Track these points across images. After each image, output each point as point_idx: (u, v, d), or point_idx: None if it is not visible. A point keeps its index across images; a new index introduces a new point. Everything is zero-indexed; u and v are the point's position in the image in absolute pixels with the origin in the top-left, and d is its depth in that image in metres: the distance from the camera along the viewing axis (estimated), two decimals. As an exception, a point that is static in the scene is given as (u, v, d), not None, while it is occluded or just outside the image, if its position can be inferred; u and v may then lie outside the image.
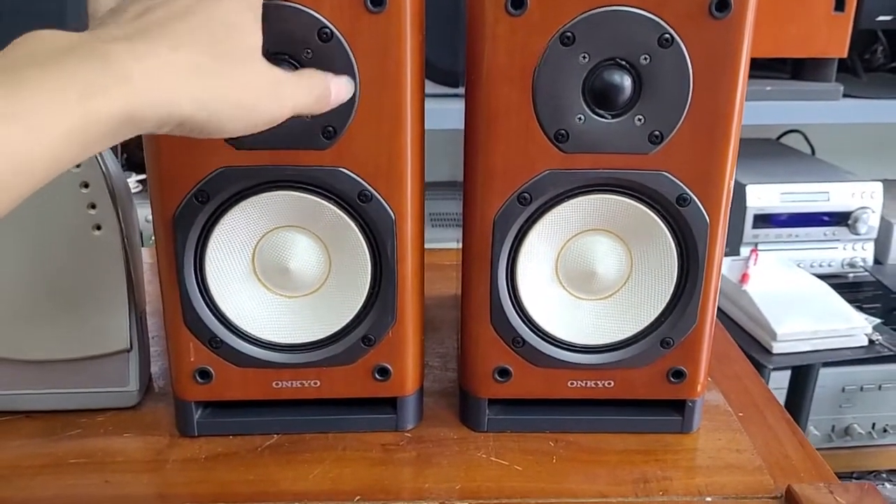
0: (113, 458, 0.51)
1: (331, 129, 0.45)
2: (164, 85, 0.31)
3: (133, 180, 1.29)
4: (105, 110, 0.29)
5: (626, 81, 0.45)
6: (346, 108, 0.44)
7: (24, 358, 0.53)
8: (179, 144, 0.45)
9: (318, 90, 0.40)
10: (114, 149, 0.45)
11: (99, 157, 0.51)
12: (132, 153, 1.36)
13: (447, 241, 0.84)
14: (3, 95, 0.27)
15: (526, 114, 0.46)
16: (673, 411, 0.54)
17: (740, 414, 0.56)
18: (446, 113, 0.69)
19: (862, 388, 1.22)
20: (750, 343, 1.00)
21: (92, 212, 0.51)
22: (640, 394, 0.53)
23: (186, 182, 0.46)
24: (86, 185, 0.50)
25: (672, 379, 0.52)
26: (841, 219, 1.18)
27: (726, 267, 1.07)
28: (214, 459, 0.50)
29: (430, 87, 1.02)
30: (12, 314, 0.52)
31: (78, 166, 0.50)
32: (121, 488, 0.48)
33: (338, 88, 0.42)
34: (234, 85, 0.34)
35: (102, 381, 0.55)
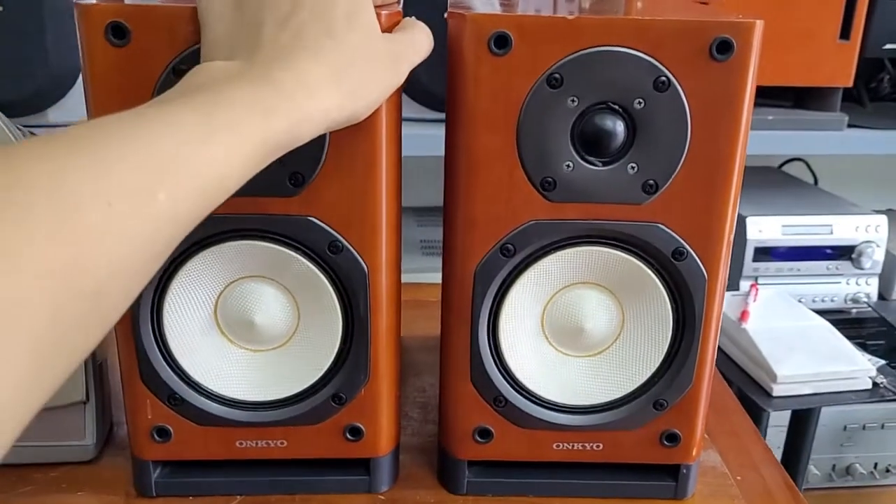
0: (63, 519, 0.47)
1: (299, 175, 0.41)
2: (319, 99, 0.34)
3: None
4: (279, 128, 0.32)
5: (619, 127, 0.42)
6: (315, 154, 0.41)
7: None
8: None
9: (425, 44, 0.41)
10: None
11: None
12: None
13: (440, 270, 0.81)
14: (202, 116, 0.29)
15: (510, 160, 0.42)
16: (666, 476, 0.50)
17: (738, 478, 0.53)
18: (443, 137, 0.66)
19: (864, 427, 1.18)
20: (748, 384, 0.96)
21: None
22: (631, 457, 0.49)
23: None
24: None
25: (665, 442, 0.48)
26: (844, 253, 1.15)
27: (725, 303, 1.03)
28: (171, 524, 0.47)
29: (427, 112, 1.00)
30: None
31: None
32: (67, 556, 0.44)
33: (428, 33, 0.42)
34: (366, 76, 0.37)
35: (57, 433, 0.51)
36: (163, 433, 0.47)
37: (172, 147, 0.27)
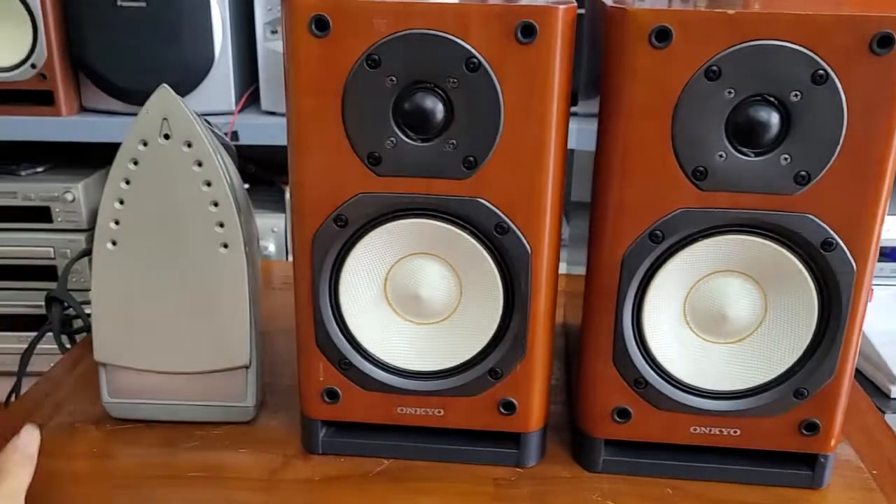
0: (230, 473, 0.51)
1: (472, 158, 0.44)
2: None
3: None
4: None
5: (774, 118, 0.43)
6: (488, 139, 0.44)
7: (151, 369, 0.54)
8: (322, 170, 0.45)
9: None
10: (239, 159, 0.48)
11: (225, 173, 0.51)
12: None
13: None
14: None
15: (664, 149, 0.44)
16: (802, 465, 0.51)
17: (874, 472, 0.53)
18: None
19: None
20: (865, 385, 0.94)
21: (220, 230, 0.51)
22: (768, 445, 0.50)
23: (327, 206, 0.46)
24: (215, 204, 0.51)
25: (804, 431, 0.49)
26: (965, 255, 1.11)
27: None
28: (328, 482, 0.50)
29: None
30: (149, 327, 0.54)
31: (209, 184, 0.51)
32: (240, 506, 0.48)
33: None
34: None
35: (221, 395, 0.56)
36: (332, 395, 0.50)
37: None
